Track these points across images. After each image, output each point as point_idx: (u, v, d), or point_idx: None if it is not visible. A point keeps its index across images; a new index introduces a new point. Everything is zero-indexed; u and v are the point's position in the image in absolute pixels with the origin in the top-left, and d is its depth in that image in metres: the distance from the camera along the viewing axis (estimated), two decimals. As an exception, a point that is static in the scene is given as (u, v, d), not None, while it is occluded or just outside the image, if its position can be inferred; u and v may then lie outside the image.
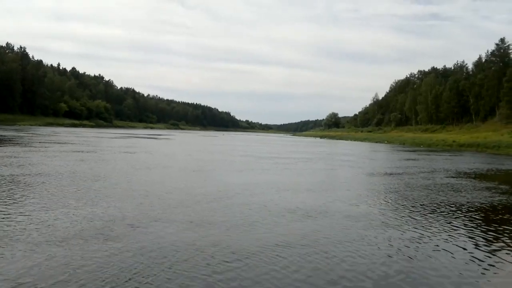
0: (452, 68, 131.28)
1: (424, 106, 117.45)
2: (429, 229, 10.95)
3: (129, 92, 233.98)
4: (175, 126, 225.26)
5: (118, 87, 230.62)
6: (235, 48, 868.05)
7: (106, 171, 20.48)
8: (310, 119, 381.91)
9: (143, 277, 6.69)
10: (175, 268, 7.18)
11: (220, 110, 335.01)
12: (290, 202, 14.07)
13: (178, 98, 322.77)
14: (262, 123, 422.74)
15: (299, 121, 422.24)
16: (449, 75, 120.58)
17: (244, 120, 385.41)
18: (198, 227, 10.16)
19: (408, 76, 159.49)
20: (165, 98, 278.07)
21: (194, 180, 19.30)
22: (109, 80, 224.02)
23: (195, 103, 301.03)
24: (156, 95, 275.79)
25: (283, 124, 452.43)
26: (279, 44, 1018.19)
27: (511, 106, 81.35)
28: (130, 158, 28.86)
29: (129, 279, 6.57)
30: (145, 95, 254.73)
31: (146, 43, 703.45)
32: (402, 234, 10.24)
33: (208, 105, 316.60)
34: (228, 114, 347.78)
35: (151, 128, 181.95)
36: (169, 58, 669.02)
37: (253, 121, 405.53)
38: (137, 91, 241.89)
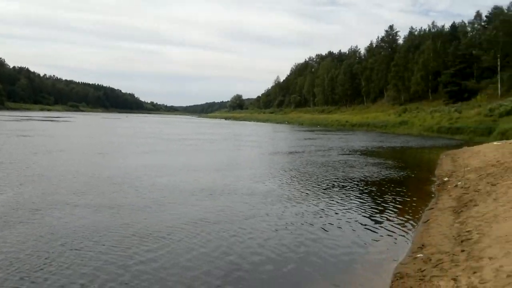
0: (347, 52, 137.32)
1: (321, 89, 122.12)
2: (327, 203, 11.86)
3: (23, 72, 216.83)
4: (75, 108, 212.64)
5: (11, 66, 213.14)
6: (139, 27, 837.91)
7: (2, 156, 19.22)
8: (216, 101, 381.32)
9: (55, 262, 6.62)
10: (87, 252, 7.14)
11: (123, 91, 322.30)
12: (198, 182, 14.37)
13: (78, 79, 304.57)
14: (168, 105, 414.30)
15: (205, 103, 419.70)
16: (344, 59, 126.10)
17: (149, 101, 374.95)
18: (108, 209, 10.13)
19: (307, 59, 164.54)
20: (64, 79, 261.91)
21: (100, 163, 18.89)
22: (0, 58, 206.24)
23: (96, 83, 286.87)
24: (54, 75, 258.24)
25: (189, 106, 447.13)
26: (184, 24, 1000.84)
27: (397, 88, 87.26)
28: (28, 142, 27.31)
29: (43, 264, 6.47)
30: (42, 75, 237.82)
31: (44, 19, 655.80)
32: (302, 208, 11.01)
33: (111, 86, 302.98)
34: (132, 95, 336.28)
35: (48, 110, 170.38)
36: (69, 36, 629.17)
37: (158, 103, 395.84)
38: (32, 70, 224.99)
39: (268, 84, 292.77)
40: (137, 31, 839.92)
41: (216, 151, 27.22)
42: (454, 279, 5.59)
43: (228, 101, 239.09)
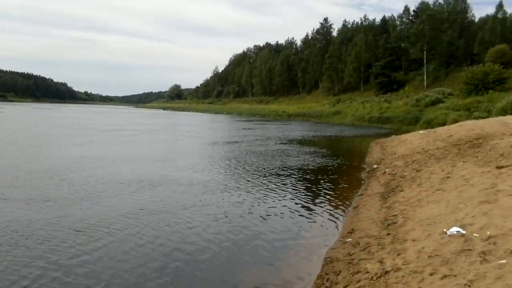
0: (284, 44, 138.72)
1: (259, 79, 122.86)
2: (264, 191, 12.05)
3: None
4: (2, 98, 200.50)
5: None
6: (74, 14, 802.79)
7: None
8: (153, 91, 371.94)
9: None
10: (19, 247, 6.92)
11: (55, 80, 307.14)
12: (136, 173, 14.15)
13: (5, 67, 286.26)
14: (103, 95, 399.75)
15: (142, 93, 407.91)
16: (281, 51, 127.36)
17: (82, 91, 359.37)
18: (41, 203, 9.83)
19: (245, 50, 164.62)
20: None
21: (33, 155, 18.08)
22: None
23: (26, 72, 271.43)
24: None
25: (126, 96, 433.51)
26: (120, 12, 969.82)
27: (331, 80, 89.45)
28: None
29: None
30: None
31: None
32: (240, 197, 11.16)
33: (42, 75, 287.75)
34: (64, 85, 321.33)
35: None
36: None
37: (93, 93, 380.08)
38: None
39: (207, 74, 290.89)
40: (72, 18, 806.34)
41: (154, 142, 26.80)
42: (380, 262, 5.90)
43: (166, 91, 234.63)
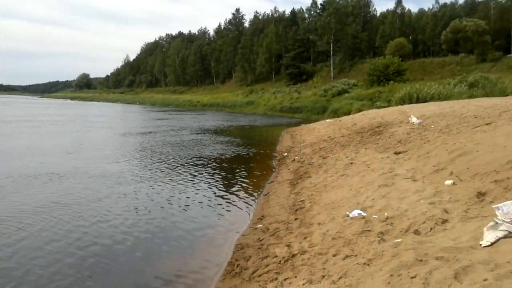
0: (197, 33, 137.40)
1: (172, 69, 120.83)
2: (178, 181, 11.94)
3: None
4: None
5: None
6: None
7: None
8: (60, 80, 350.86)
9: None
10: None
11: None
12: (44, 166, 13.47)
13: None
14: (4, 84, 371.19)
15: (48, 82, 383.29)
16: (194, 40, 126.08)
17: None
18: None
19: (157, 39, 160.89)
20: None
21: None
22: None
23: None
24: None
25: (29, 85, 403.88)
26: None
27: (244, 70, 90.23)
28: None
29: None
30: None
31: None
32: (155, 188, 10.97)
33: None
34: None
35: None
36: None
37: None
38: None
39: (118, 63, 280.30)
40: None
41: (63, 133, 25.44)
42: (288, 245, 6.10)
43: (73, 80, 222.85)
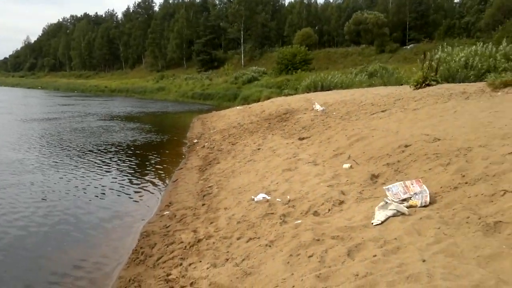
0: (104, 16, 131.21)
1: (78, 52, 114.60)
2: (86, 169, 11.47)
3: None
4: None
5: None
6: None
7: None
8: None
9: None
10: None
11: None
12: None
13: None
14: None
15: None
16: (101, 23, 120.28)
17: None
18: None
19: (61, 20, 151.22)
20: None
21: None
22: None
23: None
24: None
25: None
26: None
27: (155, 55, 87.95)
28: None
29: None
30: None
31: None
32: (61, 176, 10.44)
33: None
34: None
35: None
36: None
37: None
38: None
39: (17, 44, 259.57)
40: None
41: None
42: (194, 231, 6.11)
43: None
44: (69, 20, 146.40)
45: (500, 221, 3.92)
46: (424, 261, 3.55)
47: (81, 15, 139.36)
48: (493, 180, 4.73)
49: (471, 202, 4.54)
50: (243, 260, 4.74)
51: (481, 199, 4.50)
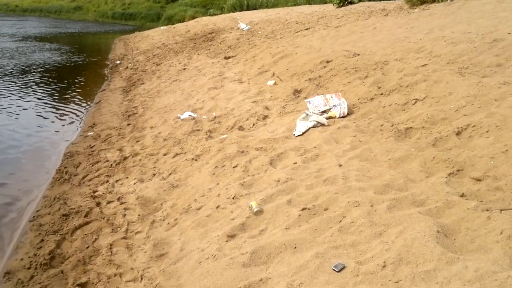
0: None
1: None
2: (3, 91, 10.51)
3: None
4: None
5: None
6: None
7: None
8: None
9: None
10: None
11: None
12: None
13: None
14: None
15: None
16: None
17: None
18: None
19: None
20: None
21: None
22: None
23: None
24: None
25: None
26: None
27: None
28: None
29: None
30: None
31: None
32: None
33: None
34: None
35: None
36: None
37: None
38: None
39: None
40: None
41: None
42: (120, 150, 5.99)
43: None
44: None
45: (411, 127, 4.17)
46: (340, 165, 3.73)
47: None
48: (406, 91, 4.97)
49: (386, 111, 4.77)
50: (170, 174, 4.75)
51: (395, 108, 4.73)
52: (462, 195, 2.93)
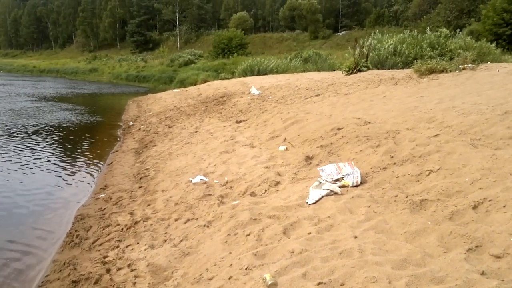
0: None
1: (3, 30, 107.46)
2: (17, 151, 10.77)
3: None
4: None
5: None
6: None
7: None
8: None
9: None
10: None
11: None
12: None
13: None
14: None
15: None
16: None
17: None
18: None
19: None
20: None
21: None
22: None
23: None
24: None
25: None
26: None
27: (86, 35, 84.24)
28: None
29: None
30: None
31: None
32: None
33: None
34: None
35: None
36: None
37: None
38: None
39: None
40: None
41: None
42: (131, 213, 5.98)
43: None
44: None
45: (426, 199, 4.16)
46: (355, 237, 3.69)
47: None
48: (419, 161, 4.99)
49: (399, 181, 4.78)
50: (181, 240, 4.71)
51: (408, 179, 4.74)
52: (483, 273, 2.87)
